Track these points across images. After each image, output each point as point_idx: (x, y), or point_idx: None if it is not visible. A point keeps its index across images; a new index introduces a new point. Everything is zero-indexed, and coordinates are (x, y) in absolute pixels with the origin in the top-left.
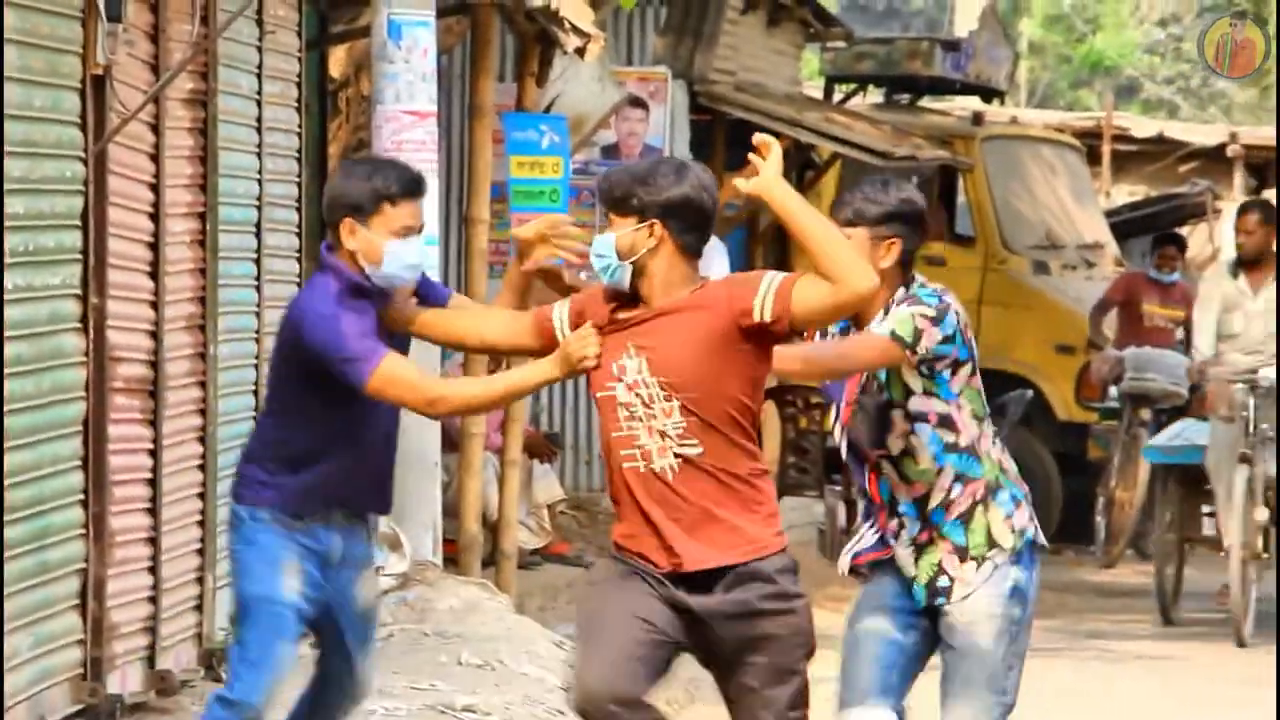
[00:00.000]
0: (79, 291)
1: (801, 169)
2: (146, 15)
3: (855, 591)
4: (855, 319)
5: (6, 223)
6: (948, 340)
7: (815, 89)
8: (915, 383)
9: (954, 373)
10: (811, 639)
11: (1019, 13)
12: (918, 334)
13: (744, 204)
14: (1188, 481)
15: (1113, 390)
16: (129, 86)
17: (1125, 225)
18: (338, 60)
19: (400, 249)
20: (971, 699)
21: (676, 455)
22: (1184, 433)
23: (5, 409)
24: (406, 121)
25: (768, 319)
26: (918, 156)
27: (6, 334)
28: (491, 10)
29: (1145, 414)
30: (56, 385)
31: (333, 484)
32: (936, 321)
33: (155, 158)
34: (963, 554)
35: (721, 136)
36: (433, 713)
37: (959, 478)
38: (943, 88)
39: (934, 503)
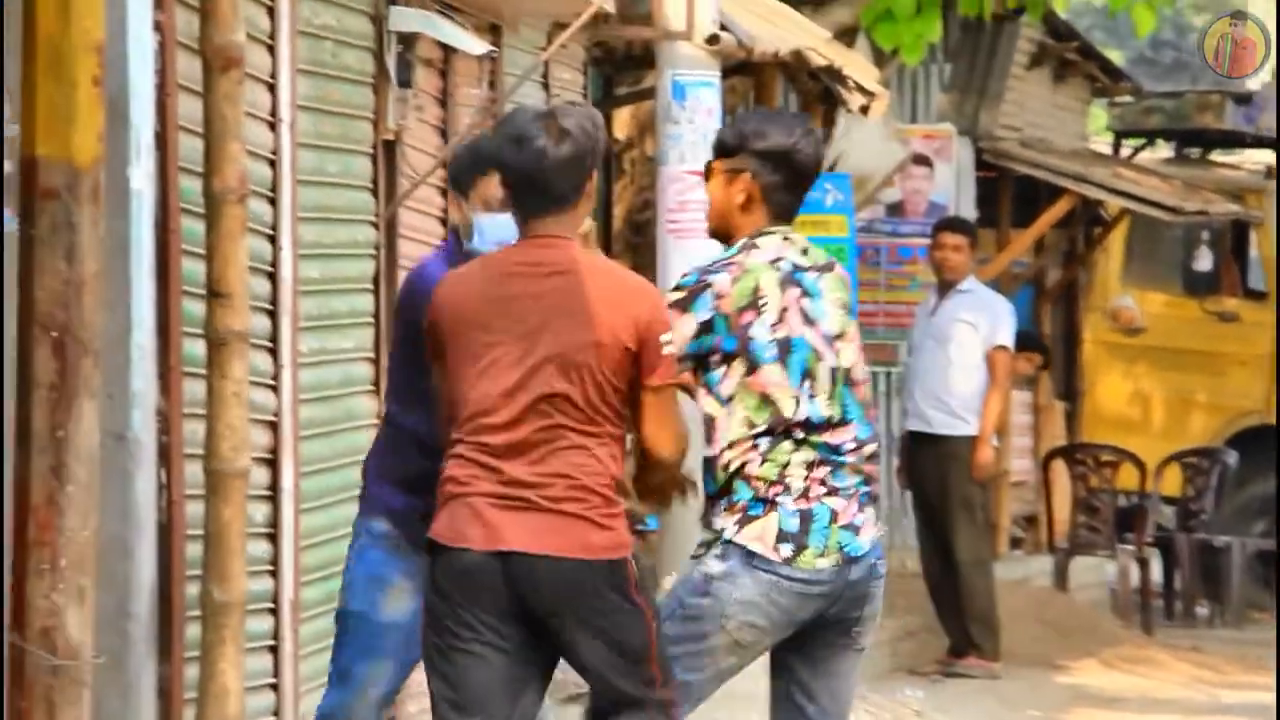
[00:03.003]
0: (371, 355)
1: (1089, 225)
2: (435, 80)
3: (1150, 651)
4: None
5: (301, 287)
6: (705, 328)
7: (1103, 144)
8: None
9: (727, 368)
10: None
11: None
12: (679, 337)
13: (1032, 261)
14: None
15: None
16: (419, 151)
17: None
18: (622, 122)
19: (487, 223)
20: None
21: None
22: None
23: (301, 471)
24: (691, 182)
25: None
26: (1209, 211)
27: (301, 397)
28: (775, 70)
29: None
30: (350, 448)
31: None
32: (685, 307)
33: (445, 221)
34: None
35: (1008, 193)
36: None
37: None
38: (1234, 141)
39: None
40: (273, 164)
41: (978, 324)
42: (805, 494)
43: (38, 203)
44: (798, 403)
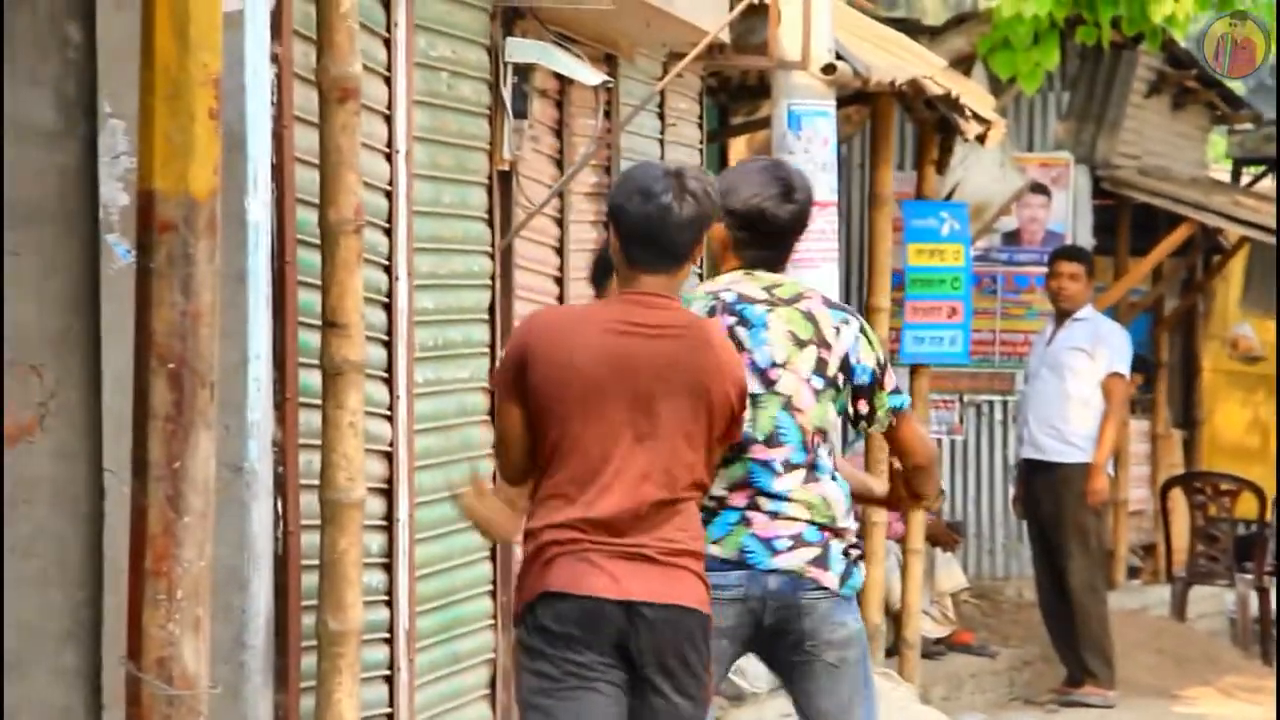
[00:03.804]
0: (487, 385)
1: (1208, 253)
2: (551, 111)
3: (1270, 682)
4: None
5: (417, 317)
6: None
7: (1222, 172)
8: None
9: None
10: None
11: None
12: None
13: (1150, 289)
14: None
15: None
16: (534, 181)
17: None
18: (738, 151)
19: None
20: None
21: None
22: None
23: (416, 501)
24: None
25: None
26: None
27: (416, 427)
28: (891, 99)
29: None
30: (465, 478)
31: None
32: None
33: (560, 251)
34: None
35: (1126, 221)
36: None
37: None
38: None
39: None
40: (389, 195)
41: (1094, 352)
42: (731, 491)
43: (155, 235)
44: None
